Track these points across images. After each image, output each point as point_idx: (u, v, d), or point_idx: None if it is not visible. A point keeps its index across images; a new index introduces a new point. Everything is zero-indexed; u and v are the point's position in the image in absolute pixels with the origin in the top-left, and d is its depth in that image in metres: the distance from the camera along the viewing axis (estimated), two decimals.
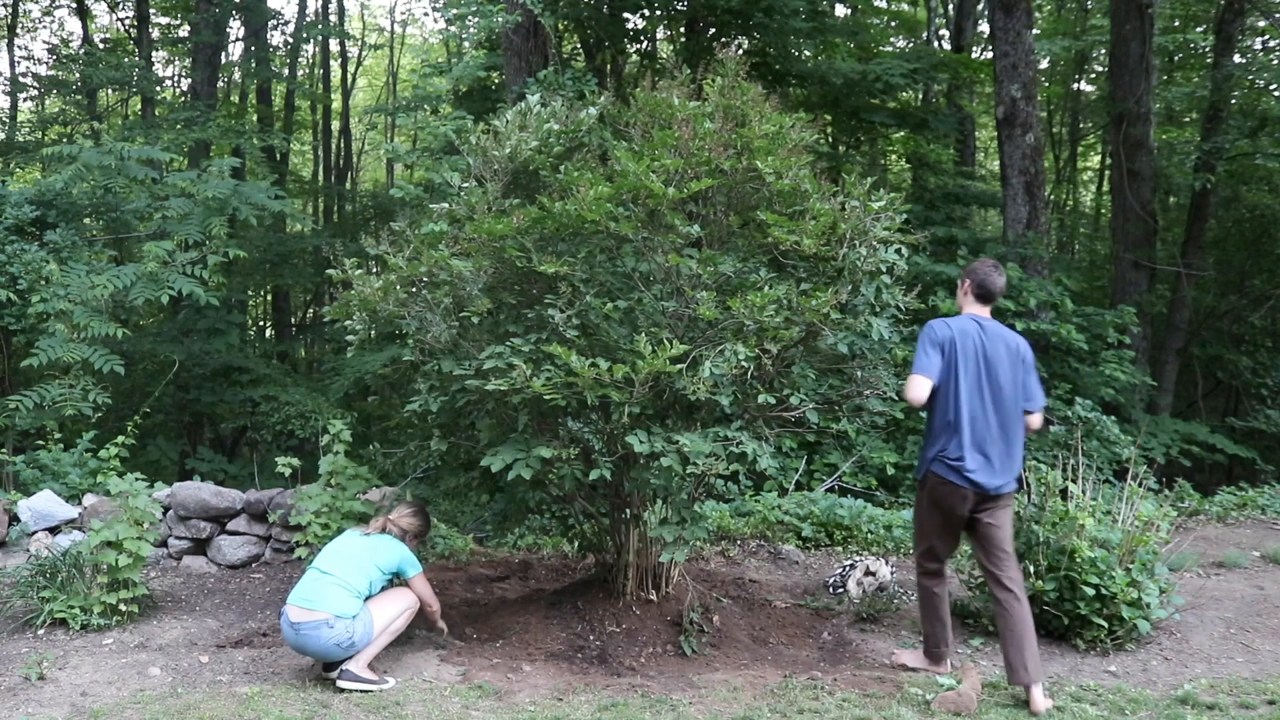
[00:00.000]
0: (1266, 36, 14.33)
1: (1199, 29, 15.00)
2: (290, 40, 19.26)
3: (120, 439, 6.83)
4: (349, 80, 22.89)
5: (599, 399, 4.13)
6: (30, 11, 18.84)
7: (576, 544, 5.85)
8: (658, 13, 12.23)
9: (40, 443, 7.34)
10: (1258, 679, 4.35)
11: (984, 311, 4.35)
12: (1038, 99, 10.90)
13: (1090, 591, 4.67)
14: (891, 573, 5.62)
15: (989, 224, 17.22)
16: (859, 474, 8.32)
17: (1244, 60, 13.34)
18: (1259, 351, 12.66)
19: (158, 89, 16.20)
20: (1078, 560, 4.71)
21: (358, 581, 4.21)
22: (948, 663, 4.48)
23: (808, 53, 13.45)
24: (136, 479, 5.15)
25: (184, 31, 17.43)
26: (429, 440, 4.92)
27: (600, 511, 5.14)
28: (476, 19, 8.65)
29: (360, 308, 4.72)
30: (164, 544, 5.99)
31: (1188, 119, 15.91)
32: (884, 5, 16.98)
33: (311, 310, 19.98)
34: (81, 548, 5.00)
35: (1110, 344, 9.75)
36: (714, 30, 11.69)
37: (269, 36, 18.05)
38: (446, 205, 4.89)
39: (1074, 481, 5.13)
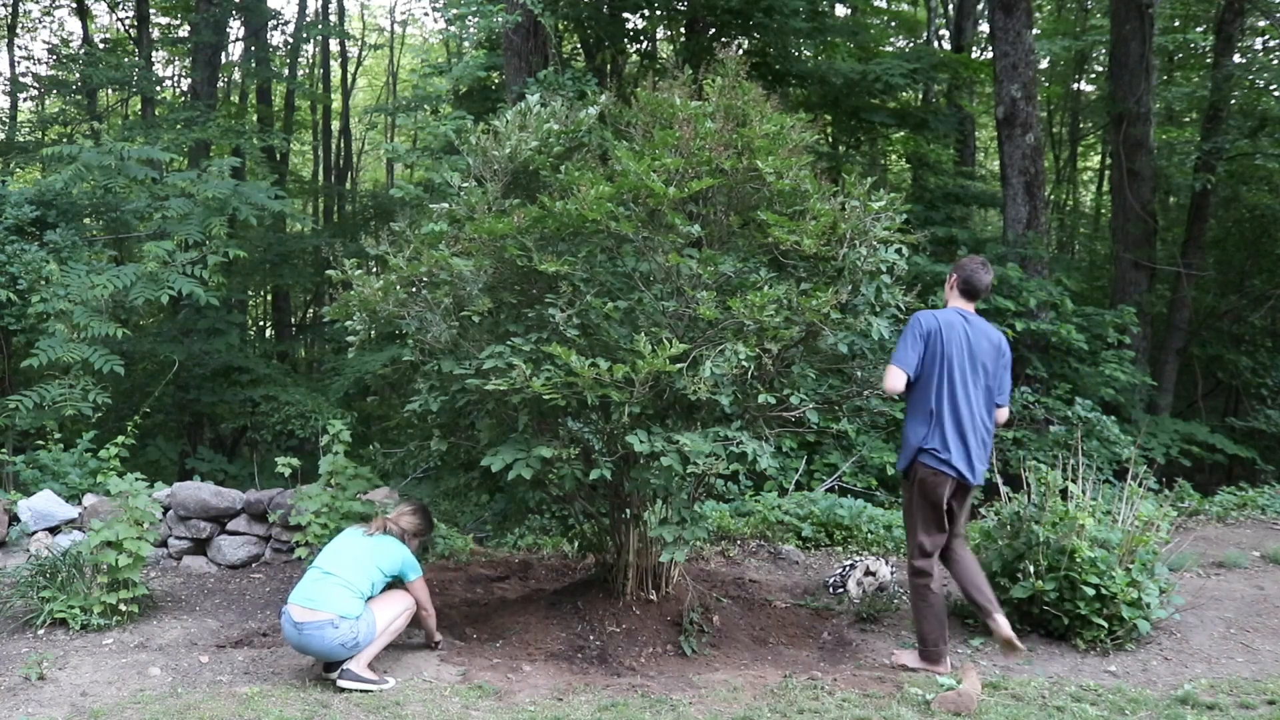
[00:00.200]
0: (1266, 36, 14.33)
1: (1199, 29, 15.00)
2: (290, 40, 19.26)
3: (120, 439, 6.83)
4: (349, 80, 22.89)
5: (599, 399, 4.13)
6: (30, 11, 18.85)
7: (576, 544, 5.85)
8: (658, 13, 12.23)
9: (40, 443, 7.34)
10: (1258, 679, 4.35)
11: (969, 306, 4.53)
12: (1038, 99, 10.90)
13: (1090, 591, 4.67)
14: (891, 573, 5.62)
15: (989, 224, 17.22)
16: (859, 474, 8.31)
17: (1244, 60, 13.34)
18: (1259, 351, 12.66)
19: (158, 89, 16.20)
20: (1078, 560, 4.71)
21: (360, 582, 4.22)
22: (947, 662, 4.49)
23: (808, 53, 13.46)
24: (136, 479, 5.15)
25: (184, 31, 17.43)
26: (429, 440, 4.91)
27: (600, 511, 5.14)
28: (476, 19, 8.65)
29: (360, 308, 4.72)
30: (164, 544, 5.99)
31: (1188, 119, 15.91)
32: (884, 5, 17.00)
33: (311, 310, 19.97)
34: (81, 548, 5.00)
35: (1110, 344, 9.75)
36: (714, 30, 11.69)
37: (269, 36, 18.05)
38: (446, 205, 4.89)
39: (1074, 481, 5.13)
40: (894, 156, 17.12)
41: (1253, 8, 12.85)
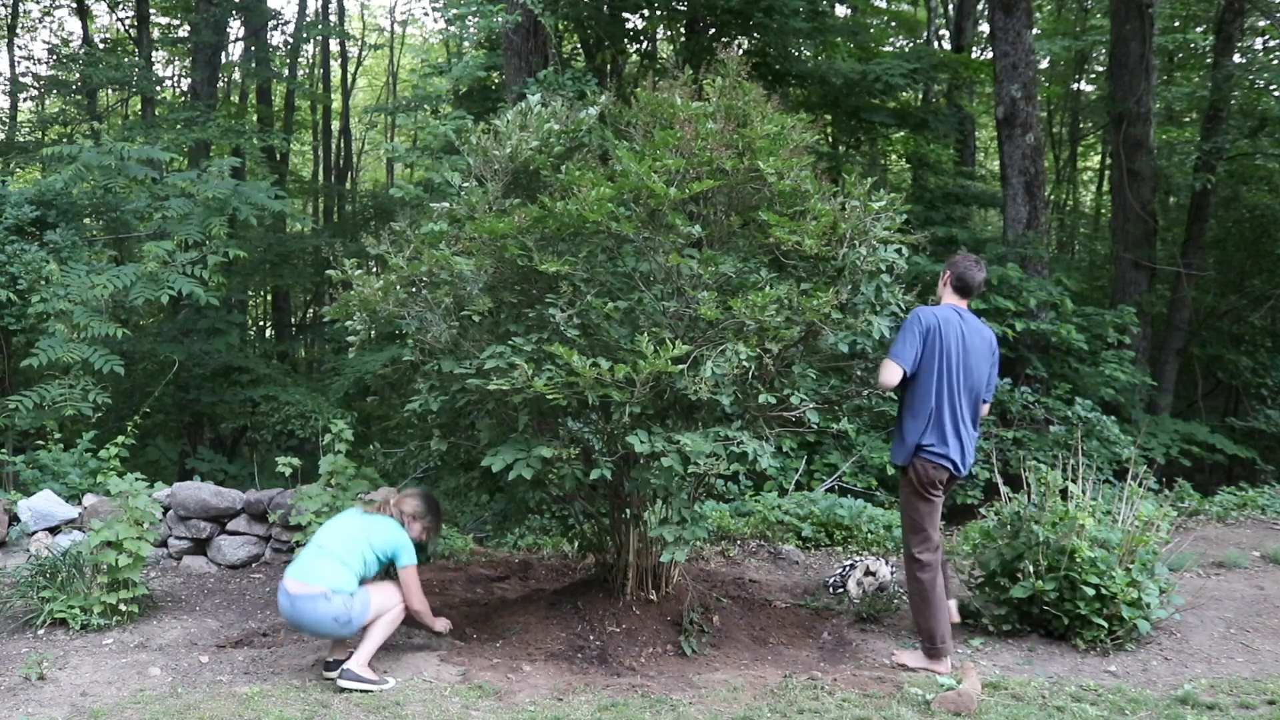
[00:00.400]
0: (1266, 36, 14.33)
1: (1199, 29, 15.00)
2: (290, 40, 19.27)
3: (120, 439, 6.83)
4: (349, 80, 22.89)
5: (600, 399, 4.13)
6: (30, 11, 18.85)
7: (576, 544, 5.85)
8: (658, 13, 12.23)
9: (40, 443, 7.34)
10: (1258, 679, 4.35)
11: (964, 304, 4.63)
12: (1038, 99, 10.90)
13: (1090, 591, 4.67)
14: (891, 573, 5.62)
15: (989, 224, 17.22)
16: (859, 474, 8.32)
17: (1244, 60, 13.34)
18: (1259, 351, 12.66)
19: (158, 89, 16.20)
20: (1078, 560, 4.70)
21: (352, 559, 4.20)
22: (948, 660, 4.49)
23: (808, 53, 13.45)
24: (136, 479, 5.15)
25: (184, 31, 17.43)
26: (429, 440, 4.91)
27: (600, 511, 5.15)
28: (476, 19, 8.65)
29: (360, 308, 4.72)
30: (164, 544, 5.99)
31: (1188, 119, 15.91)
32: (884, 5, 16.99)
33: (311, 310, 19.97)
34: (81, 548, 5.00)
35: (1110, 344, 9.75)
36: (714, 30, 11.69)
37: (269, 36, 18.06)
38: (447, 205, 4.89)
39: (1074, 481, 5.13)
40: (894, 156, 17.13)
41: (1253, 8, 12.85)
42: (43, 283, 7.31)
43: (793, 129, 4.61)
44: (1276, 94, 12.94)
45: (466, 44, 10.55)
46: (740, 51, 4.83)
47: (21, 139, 15.45)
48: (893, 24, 17.50)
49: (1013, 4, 10.08)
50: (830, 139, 14.27)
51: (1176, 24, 15.29)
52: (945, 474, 4.47)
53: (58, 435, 7.31)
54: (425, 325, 4.59)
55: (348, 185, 22.05)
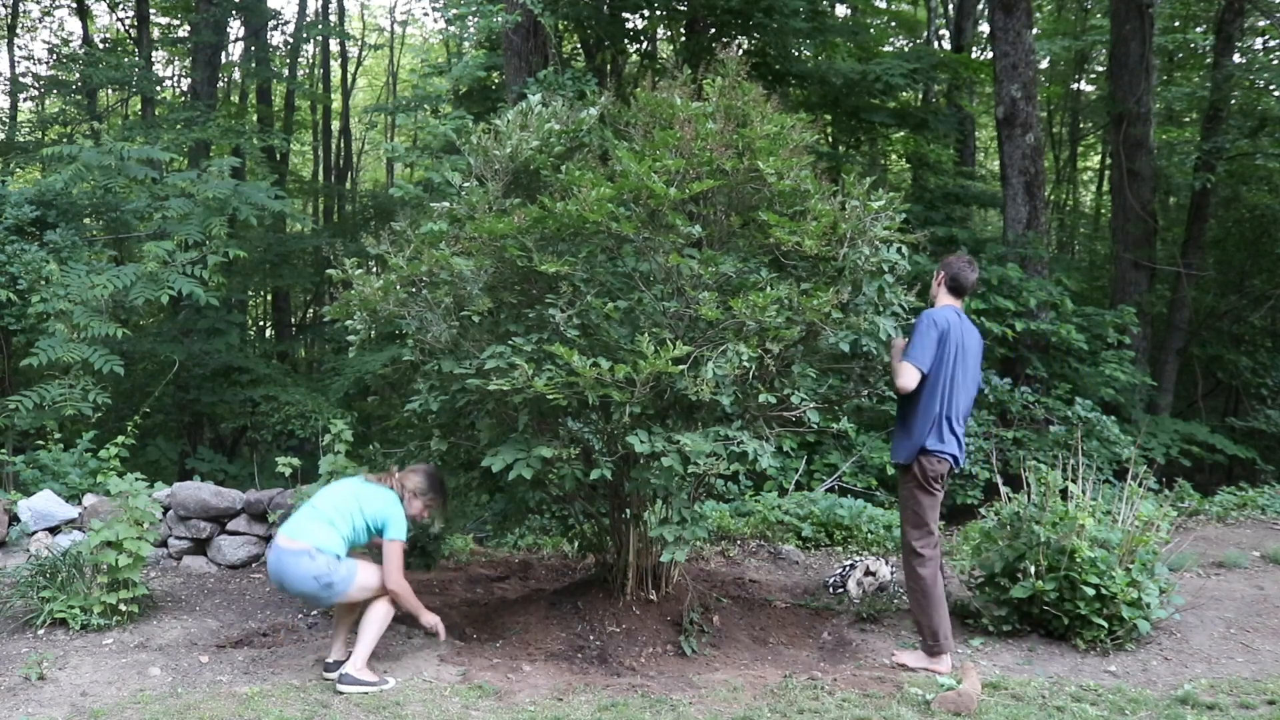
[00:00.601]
0: (1266, 36, 14.33)
1: (1199, 29, 15.00)
2: (290, 40, 19.27)
3: (120, 439, 6.83)
4: (349, 80, 22.89)
5: (600, 399, 4.13)
6: (30, 11, 18.85)
7: (576, 544, 5.85)
8: (658, 13, 12.23)
9: (40, 443, 7.33)
10: (1258, 679, 4.35)
11: (958, 304, 4.73)
12: (1038, 99, 10.90)
13: (1090, 591, 4.67)
14: (891, 573, 5.62)
15: (989, 224, 17.22)
16: (859, 474, 8.32)
17: (1244, 60, 13.34)
18: (1259, 351, 12.66)
19: (158, 89, 16.20)
20: (1078, 560, 4.71)
21: (342, 523, 4.17)
22: (949, 657, 4.50)
23: (808, 53, 13.45)
24: (136, 479, 5.15)
25: (184, 31, 17.43)
26: (429, 440, 4.91)
27: (600, 511, 5.15)
28: (476, 19, 8.65)
29: (360, 308, 4.72)
30: (164, 544, 5.99)
31: (1188, 119, 15.91)
32: (884, 5, 16.99)
33: (311, 310, 19.97)
34: (81, 548, 4.99)
35: (1110, 344, 9.75)
36: (714, 30, 11.69)
37: (269, 36, 18.05)
38: (447, 205, 4.89)
39: (1074, 481, 5.13)
40: (894, 156, 17.13)
41: (1253, 8, 12.85)
42: (43, 283, 7.30)
43: (792, 129, 4.61)
44: (1276, 94, 12.94)
45: (466, 44, 10.54)
46: (740, 51, 4.84)
47: (21, 139, 15.45)
48: (893, 24, 17.50)
49: (1013, 4, 10.08)
50: (830, 139, 14.27)
51: (1176, 24, 15.29)
52: (947, 467, 4.60)
53: (58, 435, 7.31)
54: (425, 325, 4.59)
55: (348, 185, 22.04)
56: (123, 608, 4.88)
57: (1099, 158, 19.81)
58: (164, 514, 5.93)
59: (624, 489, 4.69)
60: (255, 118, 18.72)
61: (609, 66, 12.41)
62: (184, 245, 7.92)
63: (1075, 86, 18.66)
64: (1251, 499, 8.11)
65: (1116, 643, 4.72)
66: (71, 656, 4.47)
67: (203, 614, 5.16)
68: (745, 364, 4.16)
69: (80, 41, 17.75)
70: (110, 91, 18.56)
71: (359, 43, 21.46)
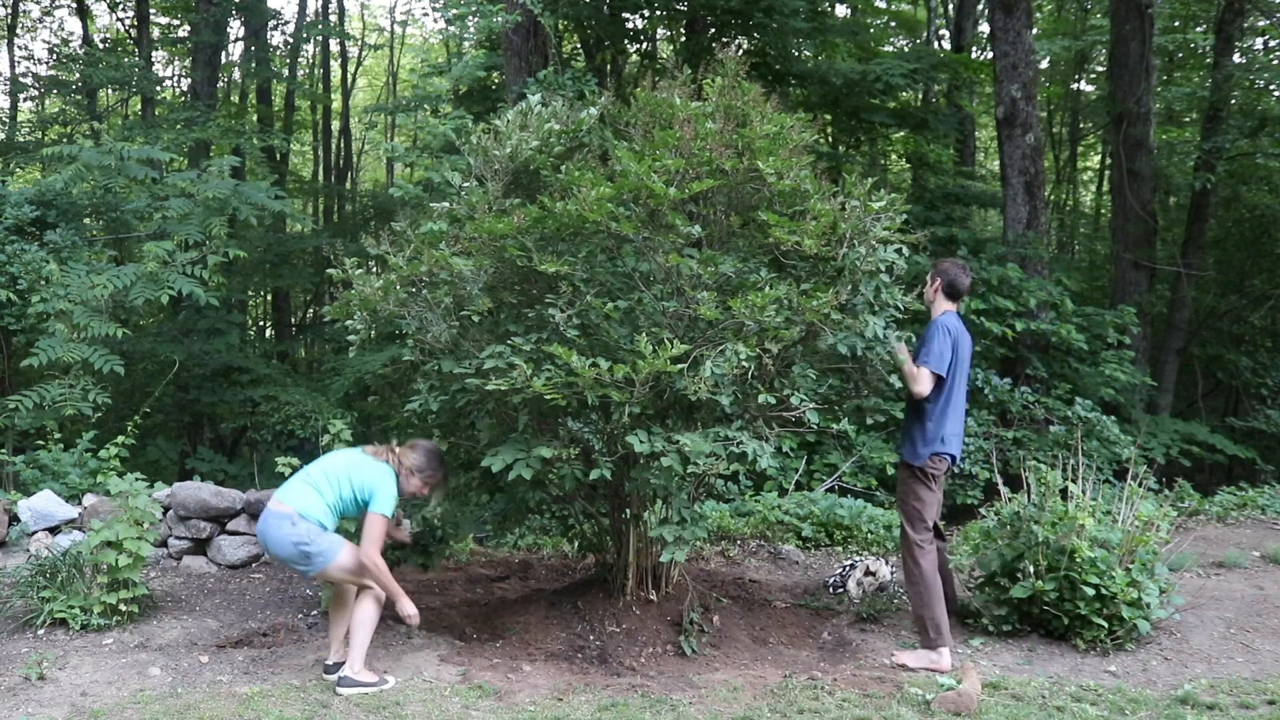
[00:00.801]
0: (1266, 36, 14.33)
1: (1199, 29, 15.00)
2: (290, 40, 19.26)
3: (120, 439, 6.83)
4: (349, 80, 22.88)
5: (599, 399, 4.13)
6: (30, 11, 18.84)
7: (576, 544, 5.85)
8: (658, 13, 12.23)
9: (40, 443, 7.33)
10: (1258, 679, 4.35)
11: (955, 308, 4.86)
12: (1038, 99, 10.90)
13: (1090, 591, 4.67)
14: (891, 573, 5.62)
15: (989, 224, 17.22)
16: (859, 474, 8.32)
17: (1244, 60, 13.34)
18: (1259, 351, 12.66)
19: (158, 89, 16.19)
20: (1078, 560, 4.71)
21: (328, 490, 4.15)
22: (948, 651, 4.56)
23: (808, 53, 13.45)
24: (136, 479, 5.15)
25: (184, 31, 17.43)
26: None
27: (600, 511, 5.15)
28: (476, 19, 8.65)
29: (360, 308, 4.72)
30: (164, 544, 5.99)
31: (1188, 119, 15.91)
32: (884, 5, 16.98)
33: (311, 310, 19.96)
34: (81, 548, 4.99)
35: (1110, 344, 9.75)
36: (714, 30, 11.69)
37: (269, 36, 18.05)
38: (447, 205, 4.89)
39: (1074, 481, 5.13)
40: (894, 156, 17.12)
41: (1253, 8, 12.85)
42: (43, 283, 7.30)
43: (792, 129, 4.61)
44: (1276, 94, 12.94)
45: (466, 44, 10.54)
46: (740, 51, 4.84)
47: (21, 139, 15.44)
48: (893, 24, 17.50)
49: (1013, 4, 10.08)
50: (830, 139, 14.27)
51: (1176, 24, 15.29)
52: (946, 465, 4.75)
53: (58, 435, 7.31)
54: (425, 325, 4.59)
55: (348, 185, 22.03)
56: (123, 608, 4.89)
57: (1099, 158, 19.81)
58: (164, 514, 5.93)
59: (624, 489, 4.69)
60: (255, 118, 18.72)
61: (609, 66, 12.41)
62: (184, 245, 7.92)
63: (1075, 86, 18.65)
64: (1251, 499, 8.11)
65: (1116, 643, 4.72)
66: (71, 656, 4.47)
67: (203, 614, 5.16)
68: (744, 364, 4.16)
69: (80, 41, 17.74)
70: (110, 91, 18.55)
71: (359, 43, 21.45)
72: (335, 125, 22.27)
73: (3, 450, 7.12)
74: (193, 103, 14.39)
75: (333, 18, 21.00)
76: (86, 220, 8.85)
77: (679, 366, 4.08)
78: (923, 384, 4.59)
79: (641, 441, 4.13)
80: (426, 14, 25.98)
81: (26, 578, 5.01)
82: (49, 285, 7.27)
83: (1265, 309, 12.77)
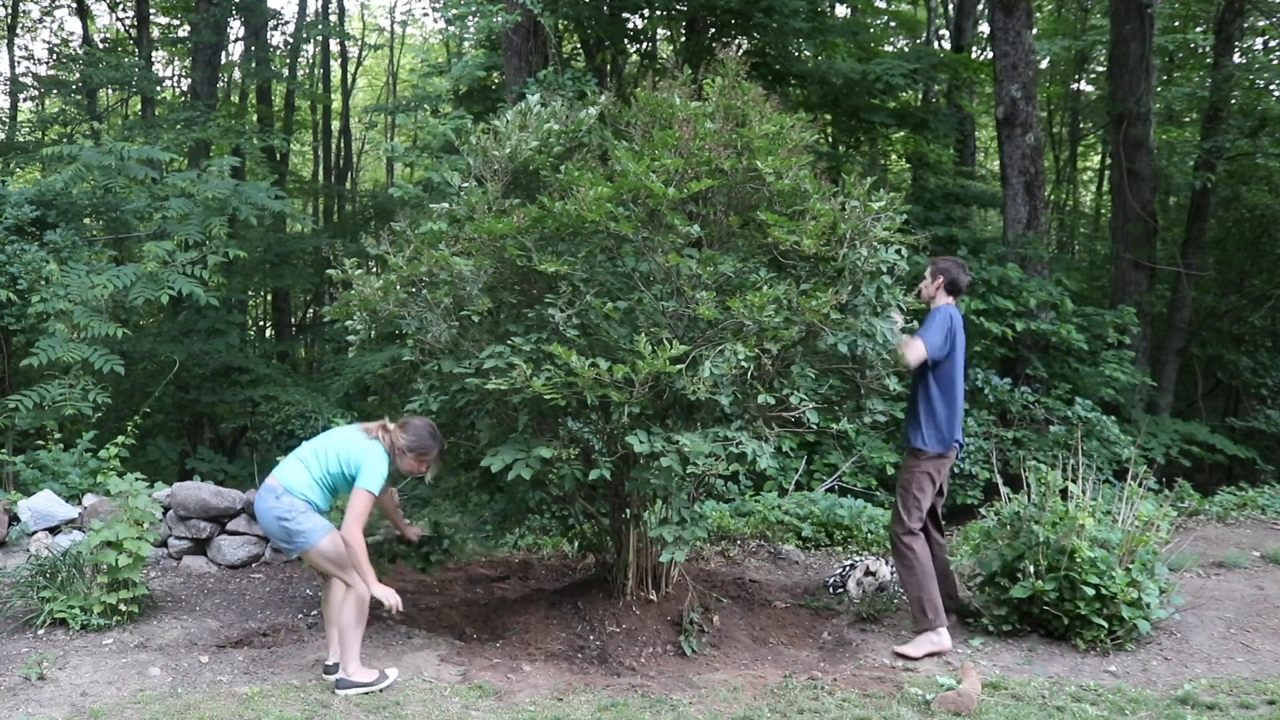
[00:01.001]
0: (1266, 36, 14.33)
1: (1199, 29, 15.00)
2: (290, 40, 19.25)
3: (120, 439, 6.83)
4: (349, 80, 22.88)
5: (599, 399, 4.13)
6: (30, 11, 18.84)
7: (576, 544, 5.85)
8: (658, 13, 12.22)
9: (40, 443, 7.33)
10: (1258, 679, 4.35)
11: (954, 303, 4.95)
12: (1038, 99, 10.90)
13: (1090, 591, 4.67)
14: (891, 573, 5.62)
15: (989, 224, 17.21)
16: (859, 474, 8.32)
17: (1244, 60, 13.34)
18: (1259, 351, 12.66)
19: (158, 89, 16.19)
20: (1078, 560, 4.70)
21: (315, 464, 4.14)
22: (945, 630, 4.69)
23: (808, 53, 13.44)
24: (136, 479, 5.15)
25: (184, 31, 17.42)
26: None
27: (600, 511, 5.15)
28: (476, 19, 8.65)
29: (360, 308, 4.72)
30: (164, 544, 5.99)
31: (1188, 119, 15.91)
32: (884, 5, 16.98)
33: (311, 310, 19.96)
34: (81, 548, 4.99)
35: (1110, 344, 9.75)
36: (714, 30, 11.68)
37: (269, 36, 18.04)
38: (446, 205, 4.89)
39: (1074, 481, 5.13)
40: (894, 156, 17.11)
41: (1253, 8, 12.85)
42: (43, 283, 7.30)
43: (791, 129, 4.61)
44: (1276, 94, 12.94)
45: (466, 44, 10.55)
46: (740, 51, 4.84)
47: (21, 139, 15.43)
48: (893, 24, 17.49)
49: (1013, 4, 10.09)
50: (830, 139, 14.27)
51: (1176, 24, 15.29)
52: (955, 452, 4.91)
53: (58, 435, 7.31)
54: (425, 325, 4.59)
55: (348, 185, 22.02)
56: (123, 608, 4.88)
57: (1099, 158, 19.80)
58: (164, 514, 5.93)
59: (624, 489, 4.69)
60: (255, 118, 18.71)
61: (609, 66, 12.40)
62: (184, 245, 7.92)
63: (1075, 86, 18.65)
64: (1251, 499, 8.11)
65: (1116, 643, 4.72)
66: (71, 656, 4.47)
67: (203, 614, 5.16)
68: (743, 364, 4.16)
69: (80, 41, 17.74)
70: (110, 91, 18.55)
71: (359, 43, 21.45)
72: (335, 125, 22.27)
73: (3, 450, 7.12)
74: (193, 103, 14.39)
75: (333, 18, 20.99)
76: (86, 220, 8.85)
77: (678, 367, 4.08)
78: (911, 351, 4.65)
79: (641, 442, 4.13)
80: (426, 14, 25.97)
81: (26, 578, 5.01)
82: (49, 285, 7.27)
83: (1265, 309, 12.77)
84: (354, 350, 5.27)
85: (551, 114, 4.88)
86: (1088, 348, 9.49)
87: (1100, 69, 16.66)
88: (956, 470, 8.17)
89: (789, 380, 4.55)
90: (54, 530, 5.94)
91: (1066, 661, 4.60)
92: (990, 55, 11.40)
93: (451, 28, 10.01)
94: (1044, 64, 17.12)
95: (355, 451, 4.12)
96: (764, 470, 4.44)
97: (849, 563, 5.72)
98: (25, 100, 18.66)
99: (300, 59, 20.75)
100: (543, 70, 9.06)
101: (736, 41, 4.86)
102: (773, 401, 4.41)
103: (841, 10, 15.46)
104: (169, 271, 7.69)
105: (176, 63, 20.20)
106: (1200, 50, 14.87)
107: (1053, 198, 18.09)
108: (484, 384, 4.14)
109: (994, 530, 5.19)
